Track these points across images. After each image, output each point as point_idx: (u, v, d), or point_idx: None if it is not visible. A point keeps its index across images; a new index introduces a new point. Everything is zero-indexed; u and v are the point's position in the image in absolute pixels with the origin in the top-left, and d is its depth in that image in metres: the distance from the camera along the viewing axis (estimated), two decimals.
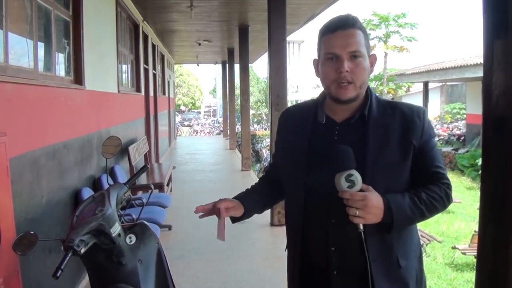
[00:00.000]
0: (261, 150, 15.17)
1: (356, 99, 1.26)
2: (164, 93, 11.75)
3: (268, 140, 13.46)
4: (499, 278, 1.19)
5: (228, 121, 13.93)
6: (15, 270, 2.06)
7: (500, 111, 1.17)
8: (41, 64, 2.98)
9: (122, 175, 4.51)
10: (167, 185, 6.02)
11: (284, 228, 1.46)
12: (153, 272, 1.63)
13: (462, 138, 17.54)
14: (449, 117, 23.51)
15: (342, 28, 1.21)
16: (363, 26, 1.27)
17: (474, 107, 16.30)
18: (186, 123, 30.54)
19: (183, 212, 5.32)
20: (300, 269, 1.34)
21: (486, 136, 1.23)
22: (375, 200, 1.16)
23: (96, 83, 4.02)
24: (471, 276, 5.66)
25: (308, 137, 1.31)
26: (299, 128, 1.35)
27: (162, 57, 11.55)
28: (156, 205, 4.23)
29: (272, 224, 4.87)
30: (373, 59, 1.28)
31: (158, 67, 10.01)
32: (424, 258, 6.18)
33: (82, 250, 1.40)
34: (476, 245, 1.39)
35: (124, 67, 6.11)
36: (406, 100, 21.85)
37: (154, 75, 8.90)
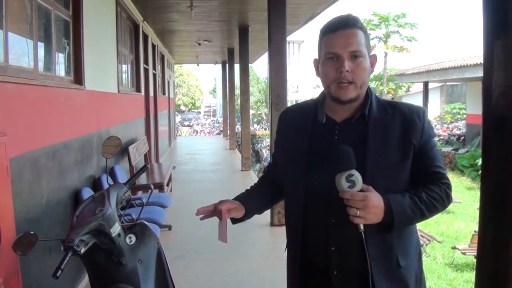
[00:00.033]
0: (261, 150, 15.17)
1: (356, 99, 1.26)
2: (164, 93, 11.76)
3: (268, 140, 13.47)
4: (499, 278, 1.20)
5: (228, 121, 13.93)
6: (15, 270, 2.05)
7: (500, 111, 1.17)
8: (41, 64, 2.98)
9: (122, 175, 4.51)
10: (167, 185, 6.02)
11: (284, 228, 1.46)
12: (153, 272, 1.63)
13: (462, 138, 17.54)
14: (449, 117, 23.51)
15: (343, 28, 1.21)
16: (364, 26, 1.27)
17: (474, 107, 16.30)
18: (186, 123, 30.54)
19: (183, 212, 5.32)
20: (300, 269, 1.34)
21: (486, 136, 1.24)
22: (376, 200, 1.16)
23: (96, 83, 4.02)
24: (471, 276, 5.66)
25: (308, 137, 1.31)
26: (299, 128, 1.35)
27: (162, 57, 11.55)
28: (156, 205, 4.23)
29: (272, 224, 4.87)
30: (373, 59, 1.28)
31: (158, 67, 10.01)
32: (424, 258, 6.18)
33: (82, 250, 1.40)
34: (476, 245, 1.39)
35: (124, 67, 6.11)
36: (406, 100, 21.85)
37: (154, 75, 8.90)
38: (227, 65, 13.54)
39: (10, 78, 2.30)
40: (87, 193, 3.27)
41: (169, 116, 12.74)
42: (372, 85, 19.18)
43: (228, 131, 13.81)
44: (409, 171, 1.26)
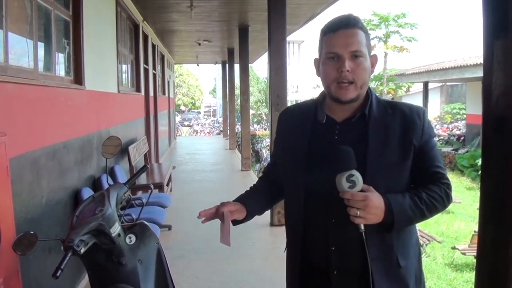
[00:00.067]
0: (261, 150, 15.18)
1: (357, 100, 1.26)
2: (164, 93, 11.76)
3: (268, 140, 13.47)
4: (499, 278, 1.20)
5: (228, 121, 13.93)
6: (15, 270, 2.05)
7: (500, 111, 1.18)
8: (41, 64, 2.98)
9: (122, 175, 4.51)
10: (167, 185, 6.02)
11: (284, 228, 1.46)
12: (153, 272, 1.63)
13: (462, 138, 17.54)
14: (449, 117, 23.51)
15: (343, 27, 1.21)
16: (365, 26, 1.27)
17: (474, 107, 16.30)
18: (186, 123, 30.54)
19: (183, 212, 5.32)
20: (300, 269, 1.34)
21: (486, 136, 1.24)
22: (376, 200, 1.16)
23: (96, 83, 4.02)
24: (470, 276, 5.66)
25: (308, 137, 1.31)
26: (299, 128, 1.35)
27: (162, 57, 11.55)
28: (156, 205, 4.23)
29: (272, 224, 4.87)
30: (374, 60, 1.28)
31: (158, 67, 10.01)
32: (424, 258, 6.18)
33: (82, 250, 1.40)
34: (476, 245, 1.39)
35: (124, 67, 6.11)
36: (406, 100, 21.85)
37: (154, 75, 8.90)
38: (227, 65, 13.54)
39: (10, 78, 2.30)
40: (87, 193, 3.27)
41: (169, 116, 12.74)
42: (372, 85, 19.21)
43: (228, 131, 13.81)
44: (409, 171, 1.26)
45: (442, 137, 18.25)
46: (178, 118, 28.10)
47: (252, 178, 7.94)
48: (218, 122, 28.71)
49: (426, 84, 16.91)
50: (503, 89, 1.16)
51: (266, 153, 14.19)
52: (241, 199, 1.45)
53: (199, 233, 4.45)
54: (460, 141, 17.30)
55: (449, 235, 7.64)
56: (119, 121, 5.14)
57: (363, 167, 1.20)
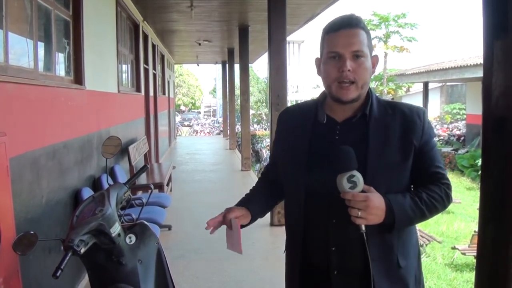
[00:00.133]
0: (261, 150, 15.18)
1: (357, 100, 1.26)
2: (164, 93, 11.76)
3: (268, 140, 13.47)
4: (499, 278, 1.20)
5: (228, 121, 13.92)
6: (15, 270, 2.06)
7: (500, 112, 1.18)
8: (41, 64, 2.98)
9: (122, 175, 4.51)
10: (167, 185, 6.02)
11: (284, 228, 1.46)
12: (153, 272, 1.63)
13: (462, 138, 17.54)
14: (449, 117, 23.50)
15: (345, 27, 1.22)
16: (366, 26, 1.27)
17: (474, 108, 16.30)
18: (186, 123, 30.54)
19: (183, 212, 5.32)
20: (300, 269, 1.34)
21: (486, 137, 1.24)
22: (377, 201, 1.16)
23: (96, 83, 4.02)
24: (470, 276, 5.66)
25: (308, 137, 1.31)
26: (299, 128, 1.35)
27: (162, 57, 11.55)
28: (156, 205, 4.23)
29: (272, 224, 4.87)
30: (375, 60, 1.28)
31: (158, 67, 10.01)
32: (424, 259, 6.18)
33: (82, 250, 1.40)
34: (475, 245, 1.39)
35: (124, 67, 6.11)
36: (406, 100, 21.85)
37: (154, 75, 8.89)
38: (227, 65, 13.54)
39: (10, 78, 2.30)
40: (87, 193, 3.27)
41: (169, 116, 12.74)
42: (372, 85, 19.18)
43: (228, 131, 13.80)
44: (410, 171, 1.26)
45: (442, 137, 18.25)
46: (178, 118, 28.11)
47: (252, 178, 7.94)
48: (218, 122, 28.71)
49: (426, 84, 16.91)
50: (503, 89, 1.16)
51: (266, 153, 14.20)
52: (244, 203, 1.44)
53: (199, 233, 4.45)
54: (460, 141, 17.30)
55: (449, 235, 7.64)
56: (119, 121, 5.14)
57: (364, 167, 1.20)
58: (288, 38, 5.74)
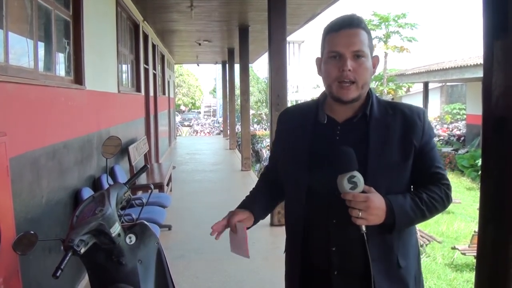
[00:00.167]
0: (261, 150, 15.18)
1: (358, 100, 1.26)
2: (164, 93, 11.76)
3: (268, 140, 13.47)
4: (499, 278, 1.20)
5: (228, 121, 13.92)
6: (15, 270, 2.06)
7: (500, 112, 1.18)
8: (41, 64, 2.98)
9: (122, 175, 4.51)
10: (167, 185, 6.02)
11: (284, 228, 1.45)
12: (153, 272, 1.63)
13: (462, 138, 17.54)
14: (449, 117, 23.51)
15: (346, 27, 1.22)
16: (367, 27, 1.27)
17: (474, 108, 16.30)
18: (186, 123, 30.54)
19: (183, 212, 5.32)
20: (300, 269, 1.34)
21: (486, 137, 1.24)
22: (378, 201, 1.16)
23: (96, 83, 4.02)
24: (470, 276, 5.66)
25: (309, 137, 1.31)
26: (299, 128, 1.35)
27: (162, 57, 11.55)
28: (156, 205, 4.23)
29: (272, 224, 4.87)
30: (375, 60, 1.28)
31: (158, 67, 10.01)
32: (424, 259, 6.18)
33: (82, 250, 1.40)
34: (475, 245, 1.39)
35: (124, 67, 6.11)
36: (406, 100, 21.86)
37: (154, 75, 8.89)
38: (227, 65, 13.54)
39: (11, 78, 2.30)
40: (87, 193, 3.27)
41: (169, 116, 12.74)
42: (372, 85, 19.17)
43: (228, 131, 13.80)
44: (410, 171, 1.26)
45: (442, 137, 18.24)
46: (178, 118, 28.11)
47: (252, 178, 7.95)
48: (218, 122, 28.71)
49: (426, 84, 16.91)
50: (503, 89, 1.16)
51: (266, 153, 14.20)
52: (246, 206, 1.43)
53: (199, 233, 4.46)
54: (460, 141, 17.30)
55: (449, 235, 7.64)
56: (119, 121, 5.14)
57: (364, 167, 1.20)
58: (288, 38, 5.74)
